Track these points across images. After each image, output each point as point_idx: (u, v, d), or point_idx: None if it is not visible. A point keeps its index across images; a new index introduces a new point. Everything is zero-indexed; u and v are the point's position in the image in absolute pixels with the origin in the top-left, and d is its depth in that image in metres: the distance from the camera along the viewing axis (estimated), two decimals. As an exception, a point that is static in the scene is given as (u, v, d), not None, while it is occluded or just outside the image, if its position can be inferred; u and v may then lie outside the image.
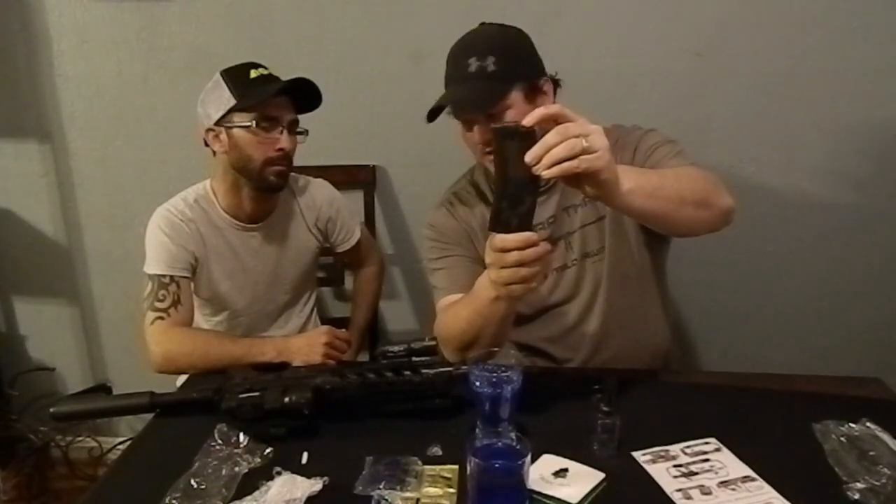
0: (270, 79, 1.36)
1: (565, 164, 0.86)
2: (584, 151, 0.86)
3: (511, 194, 0.90)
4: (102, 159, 1.95)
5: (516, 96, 1.16)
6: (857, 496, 0.86)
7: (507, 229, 0.92)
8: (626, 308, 1.32)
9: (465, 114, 1.18)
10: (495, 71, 1.14)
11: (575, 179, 0.89)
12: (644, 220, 1.16)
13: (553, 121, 0.89)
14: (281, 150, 1.36)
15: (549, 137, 0.86)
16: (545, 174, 0.86)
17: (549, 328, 1.35)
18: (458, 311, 1.15)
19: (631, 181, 0.95)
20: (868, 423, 0.98)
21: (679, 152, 1.21)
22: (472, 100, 1.15)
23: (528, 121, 0.89)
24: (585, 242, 1.29)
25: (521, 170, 0.87)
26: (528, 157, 0.86)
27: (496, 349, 1.03)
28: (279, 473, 0.92)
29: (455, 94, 1.16)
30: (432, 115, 1.18)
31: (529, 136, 0.87)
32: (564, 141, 0.85)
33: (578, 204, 1.28)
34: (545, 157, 0.86)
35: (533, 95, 1.19)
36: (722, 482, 0.90)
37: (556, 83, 1.23)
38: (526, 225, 0.92)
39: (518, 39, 1.20)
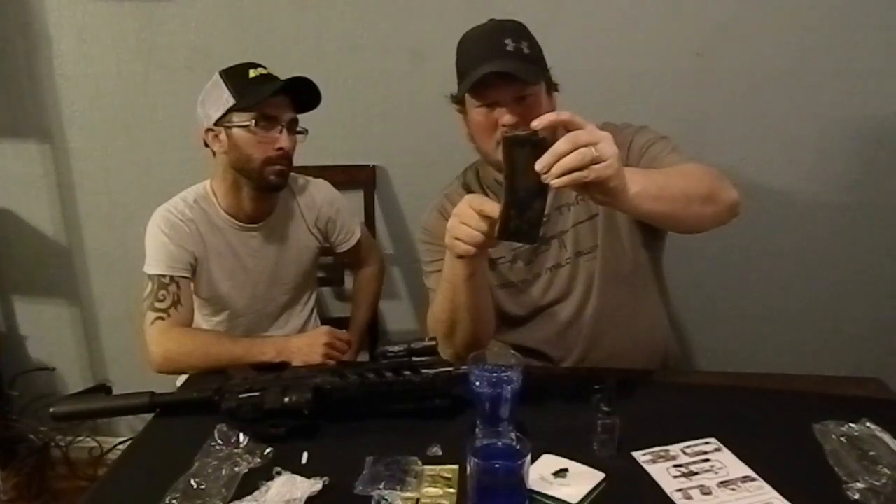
0: (269, 78, 1.36)
1: (575, 174, 0.85)
2: (595, 161, 0.85)
3: (520, 203, 0.90)
4: (102, 159, 1.95)
5: (542, 86, 1.17)
6: (857, 496, 0.86)
7: (517, 237, 0.92)
8: (620, 306, 1.31)
9: (508, 87, 1.12)
10: (530, 55, 1.15)
11: (584, 186, 0.88)
12: (652, 221, 1.16)
13: (563, 127, 0.88)
14: (280, 149, 1.36)
15: (560, 146, 0.85)
16: (555, 183, 0.85)
17: (544, 329, 1.34)
18: (438, 290, 1.18)
19: (637, 184, 0.94)
20: (868, 423, 0.98)
21: (674, 148, 1.20)
22: (523, 70, 1.11)
23: (536, 124, 0.88)
24: (578, 241, 1.29)
25: (531, 178, 0.87)
26: (539, 165, 0.85)
27: (493, 348, 1.03)
28: (279, 473, 0.92)
29: (503, 67, 1.10)
30: (462, 92, 1.17)
31: (540, 144, 0.86)
32: (575, 150, 0.84)
33: (571, 202, 1.28)
34: (555, 166, 0.85)
35: (549, 90, 1.20)
36: (722, 482, 0.90)
37: (554, 86, 1.24)
38: (535, 232, 0.92)
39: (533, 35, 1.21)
